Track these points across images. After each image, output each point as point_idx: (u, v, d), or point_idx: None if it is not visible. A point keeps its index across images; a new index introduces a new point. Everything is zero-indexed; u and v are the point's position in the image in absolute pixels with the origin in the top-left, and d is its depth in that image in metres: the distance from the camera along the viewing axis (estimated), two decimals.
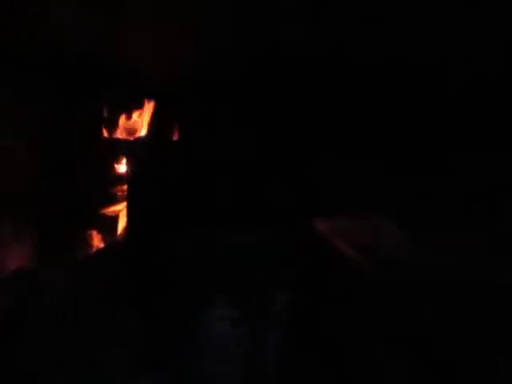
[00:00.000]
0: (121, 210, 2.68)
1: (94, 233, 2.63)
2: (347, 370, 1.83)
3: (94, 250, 2.57)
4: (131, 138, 2.77)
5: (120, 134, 2.78)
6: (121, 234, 2.66)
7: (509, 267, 1.84)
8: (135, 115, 2.78)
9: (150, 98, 2.76)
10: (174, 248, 2.27)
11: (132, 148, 2.70)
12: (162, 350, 1.92)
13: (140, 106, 2.77)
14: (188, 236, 2.30)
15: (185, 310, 2.08)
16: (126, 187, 2.63)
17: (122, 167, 2.74)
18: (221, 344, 1.96)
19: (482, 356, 1.64)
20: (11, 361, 1.78)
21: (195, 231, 2.31)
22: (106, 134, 2.75)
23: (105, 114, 2.74)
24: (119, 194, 2.69)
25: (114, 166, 2.71)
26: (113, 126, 2.76)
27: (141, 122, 2.78)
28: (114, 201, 2.68)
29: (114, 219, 2.68)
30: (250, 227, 2.31)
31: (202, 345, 1.95)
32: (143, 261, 2.28)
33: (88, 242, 2.59)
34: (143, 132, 2.79)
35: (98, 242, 2.62)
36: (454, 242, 2.04)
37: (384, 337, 1.80)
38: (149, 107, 2.77)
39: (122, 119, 2.77)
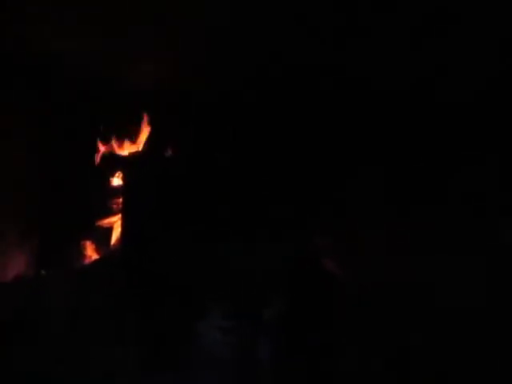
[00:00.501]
0: (115, 221, 2.76)
1: (89, 243, 2.71)
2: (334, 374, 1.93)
3: (90, 259, 2.64)
4: (127, 152, 2.86)
5: (116, 148, 2.88)
6: (115, 244, 2.74)
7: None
8: (131, 130, 2.88)
9: (146, 113, 2.86)
10: (169, 257, 2.35)
11: (128, 162, 2.79)
12: (159, 355, 2.00)
13: (136, 121, 2.87)
14: (183, 246, 2.38)
15: (179, 317, 2.16)
16: (120, 200, 2.72)
17: (117, 180, 2.83)
18: (213, 352, 2.05)
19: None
20: (15, 360, 1.84)
21: (192, 242, 2.39)
22: (102, 148, 2.84)
23: (101, 128, 2.84)
24: (114, 206, 2.78)
25: (110, 180, 2.81)
26: (109, 140, 2.85)
27: (137, 136, 2.88)
28: (109, 213, 2.77)
29: (109, 230, 2.76)
30: (246, 240, 2.39)
31: (196, 352, 2.03)
32: (138, 269, 2.35)
33: (83, 253, 2.66)
34: (139, 146, 2.88)
35: (92, 252, 2.70)
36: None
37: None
38: (145, 122, 2.87)
39: (119, 133, 2.87)
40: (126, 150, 2.91)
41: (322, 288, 2.13)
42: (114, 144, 2.90)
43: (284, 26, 2.44)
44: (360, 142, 2.59)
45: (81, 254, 2.67)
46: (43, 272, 2.47)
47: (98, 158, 2.87)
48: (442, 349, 1.91)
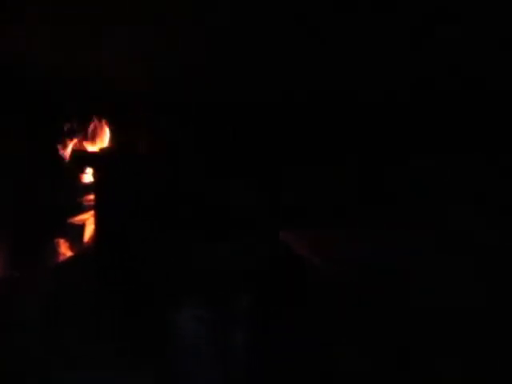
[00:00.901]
0: (87, 218, 2.77)
1: (62, 241, 2.71)
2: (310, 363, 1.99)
3: (64, 257, 2.64)
4: (97, 149, 2.86)
5: (87, 145, 2.87)
6: (88, 241, 2.75)
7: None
8: (102, 126, 2.87)
9: (118, 110, 2.85)
10: (145, 251, 2.38)
11: (98, 158, 2.79)
12: (139, 349, 2.04)
13: (107, 118, 2.86)
14: (157, 241, 2.41)
15: (157, 309, 2.20)
16: (92, 197, 2.72)
17: (88, 177, 2.83)
18: (191, 342, 2.09)
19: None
20: None
21: (164, 236, 2.42)
22: (72, 145, 2.83)
23: (72, 125, 2.82)
24: (86, 203, 2.78)
25: (80, 177, 2.80)
26: (79, 137, 2.84)
27: (108, 133, 2.88)
28: (81, 210, 2.77)
29: (81, 228, 2.76)
30: (218, 237, 2.43)
31: (175, 343, 2.07)
32: (112, 265, 2.38)
33: (57, 251, 2.66)
34: (110, 143, 2.88)
35: (65, 250, 2.70)
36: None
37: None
38: (116, 119, 2.87)
39: (89, 130, 2.86)
40: (97, 146, 2.90)
41: (294, 275, 2.19)
42: (84, 141, 2.89)
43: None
44: (321, 140, 2.66)
45: (54, 252, 2.67)
46: (17, 272, 2.47)
47: (68, 155, 2.86)
48: (415, 339, 1.97)
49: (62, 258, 2.65)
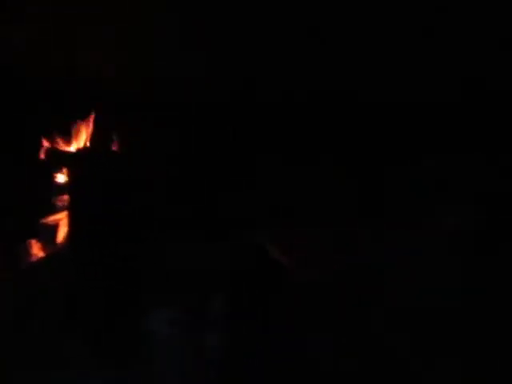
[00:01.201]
0: (61, 219, 2.72)
1: (35, 242, 2.66)
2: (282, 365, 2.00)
3: (37, 258, 2.60)
4: (73, 148, 2.82)
5: (61, 143, 2.82)
6: (61, 242, 2.70)
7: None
8: (78, 125, 2.83)
9: (94, 109, 2.82)
10: (120, 252, 2.35)
11: (73, 158, 2.75)
12: (110, 351, 2.02)
13: (83, 116, 2.83)
14: (132, 242, 2.39)
15: (128, 312, 2.18)
16: (66, 197, 2.68)
17: (62, 177, 2.78)
18: (165, 345, 2.08)
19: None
20: None
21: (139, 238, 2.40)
22: (46, 143, 2.78)
23: (46, 123, 2.78)
24: (59, 203, 2.73)
25: (54, 176, 2.76)
26: (53, 135, 2.80)
27: (83, 132, 2.84)
28: (55, 210, 2.72)
29: (55, 228, 2.72)
30: (191, 238, 2.42)
31: (148, 345, 2.06)
32: (86, 266, 2.35)
33: (29, 252, 2.61)
34: (85, 142, 2.84)
35: (38, 250, 2.65)
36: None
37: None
38: (92, 117, 2.83)
39: (64, 129, 2.82)
40: (72, 145, 2.86)
41: (269, 276, 2.20)
42: (59, 139, 2.85)
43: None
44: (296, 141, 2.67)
45: (27, 253, 2.62)
46: None
47: (42, 154, 2.81)
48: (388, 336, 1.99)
49: (34, 259, 2.60)
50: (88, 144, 2.86)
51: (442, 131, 2.60)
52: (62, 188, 2.75)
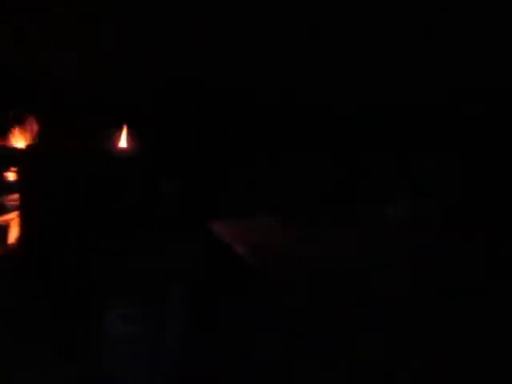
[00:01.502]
0: (12, 219, 2.65)
1: None
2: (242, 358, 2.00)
3: None
4: (23, 147, 2.74)
5: (11, 142, 2.74)
6: (12, 242, 2.63)
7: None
8: (30, 123, 2.76)
9: (47, 107, 2.75)
10: (72, 251, 2.31)
11: (24, 155, 2.67)
12: (65, 349, 1.98)
13: (33, 115, 2.75)
14: (86, 242, 2.34)
15: (85, 308, 2.15)
16: (17, 196, 2.61)
17: (12, 176, 2.70)
18: (121, 341, 2.06)
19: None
20: None
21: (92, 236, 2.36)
22: None
23: None
24: (10, 203, 2.66)
25: (4, 175, 2.67)
26: (3, 134, 2.71)
27: (33, 130, 2.77)
28: (5, 210, 2.64)
29: (5, 229, 2.64)
30: (149, 230, 2.39)
31: (104, 343, 2.03)
32: (39, 267, 2.29)
33: None
34: (37, 140, 2.77)
35: None
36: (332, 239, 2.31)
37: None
38: (42, 116, 2.76)
39: (15, 127, 2.74)
40: (22, 143, 2.78)
41: (230, 273, 2.21)
42: (10, 136, 2.77)
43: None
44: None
45: None
46: None
47: None
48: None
49: None
50: (40, 142, 2.79)
51: (402, 129, 2.65)
52: (12, 187, 2.67)
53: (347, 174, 2.62)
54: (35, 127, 2.80)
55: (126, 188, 2.47)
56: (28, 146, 2.75)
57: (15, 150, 2.76)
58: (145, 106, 2.75)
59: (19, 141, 2.78)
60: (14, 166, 2.70)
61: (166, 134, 2.72)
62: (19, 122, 2.78)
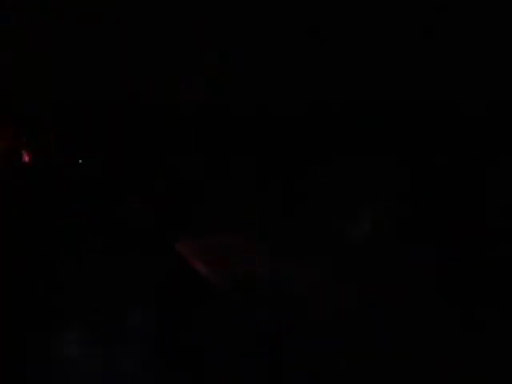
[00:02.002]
0: None
1: None
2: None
3: None
4: None
5: None
6: None
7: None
8: None
9: None
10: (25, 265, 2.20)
11: None
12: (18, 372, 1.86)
13: None
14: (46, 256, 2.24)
15: (41, 332, 2.03)
16: None
17: None
18: (78, 366, 1.94)
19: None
20: None
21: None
22: None
23: None
24: None
25: None
26: None
27: None
28: None
29: None
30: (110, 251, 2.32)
31: (58, 367, 1.90)
32: None
33: None
34: None
35: None
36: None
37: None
38: None
39: None
40: None
41: (191, 290, 2.14)
42: None
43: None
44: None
45: None
46: None
47: None
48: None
49: None
50: None
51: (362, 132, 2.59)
52: None
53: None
54: None
55: (85, 202, 2.38)
56: None
57: None
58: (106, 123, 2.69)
59: None
60: None
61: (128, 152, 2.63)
62: None
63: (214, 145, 2.61)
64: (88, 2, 2.43)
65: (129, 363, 1.94)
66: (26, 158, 2.49)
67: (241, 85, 2.57)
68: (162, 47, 2.52)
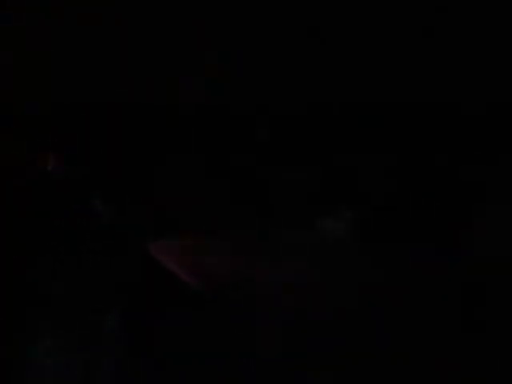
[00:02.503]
0: None
1: None
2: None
3: None
4: None
5: None
6: None
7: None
8: None
9: None
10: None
11: None
12: None
13: None
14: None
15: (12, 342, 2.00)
16: None
17: None
18: (55, 373, 1.92)
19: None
20: None
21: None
22: None
23: None
24: None
25: None
26: None
27: None
28: None
29: None
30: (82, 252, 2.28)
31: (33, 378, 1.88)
32: None
33: None
34: None
35: None
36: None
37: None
38: None
39: None
40: None
41: (162, 289, 2.12)
42: None
43: None
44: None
45: None
46: None
47: None
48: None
49: None
50: None
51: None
52: None
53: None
54: None
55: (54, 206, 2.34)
56: None
57: None
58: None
59: None
60: None
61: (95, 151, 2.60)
62: None
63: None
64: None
65: (103, 367, 1.93)
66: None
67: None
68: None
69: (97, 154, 2.55)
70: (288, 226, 2.35)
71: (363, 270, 2.12)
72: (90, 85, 2.57)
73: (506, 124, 2.45)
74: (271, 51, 2.50)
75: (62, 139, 2.57)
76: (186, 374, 1.88)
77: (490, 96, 2.49)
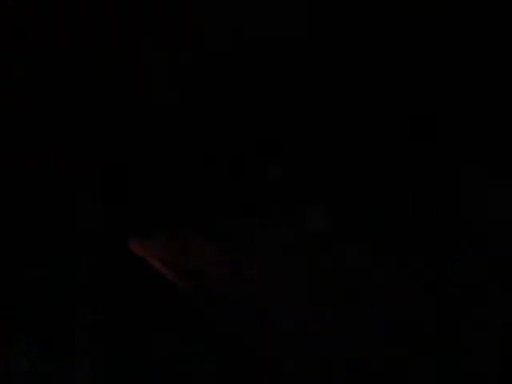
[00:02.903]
0: None
1: None
2: None
3: None
4: None
5: None
6: None
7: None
8: None
9: None
10: None
11: None
12: None
13: None
14: None
15: None
16: None
17: None
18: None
19: None
20: None
21: None
22: None
23: None
24: None
25: None
26: None
27: None
28: None
29: None
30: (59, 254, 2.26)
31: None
32: None
33: None
34: None
35: None
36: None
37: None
38: None
39: None
40: None
41: (146, 289, 2.12)
42: None
43: None
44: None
45: None
46: None
47: None
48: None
49: None
50: None
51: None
52: None
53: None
54: None
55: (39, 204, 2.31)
56: None
57: None
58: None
59: None
60: None
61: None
62: None
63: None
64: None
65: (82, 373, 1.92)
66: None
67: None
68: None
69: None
70: (274, 226, 2.36)
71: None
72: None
73: None
74: None
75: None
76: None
77: None
